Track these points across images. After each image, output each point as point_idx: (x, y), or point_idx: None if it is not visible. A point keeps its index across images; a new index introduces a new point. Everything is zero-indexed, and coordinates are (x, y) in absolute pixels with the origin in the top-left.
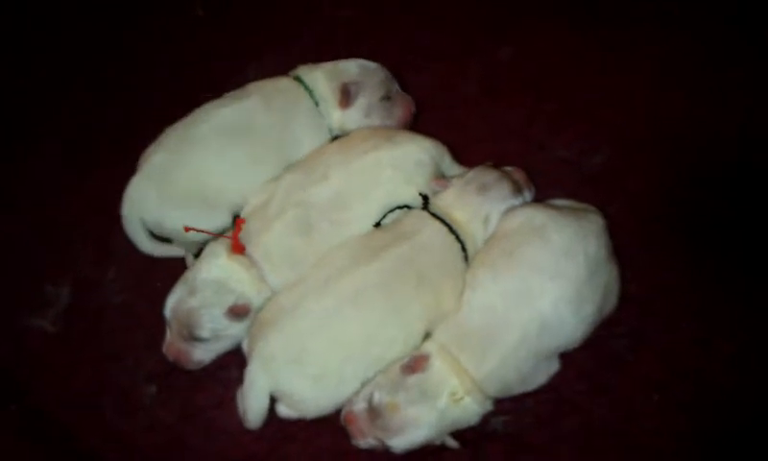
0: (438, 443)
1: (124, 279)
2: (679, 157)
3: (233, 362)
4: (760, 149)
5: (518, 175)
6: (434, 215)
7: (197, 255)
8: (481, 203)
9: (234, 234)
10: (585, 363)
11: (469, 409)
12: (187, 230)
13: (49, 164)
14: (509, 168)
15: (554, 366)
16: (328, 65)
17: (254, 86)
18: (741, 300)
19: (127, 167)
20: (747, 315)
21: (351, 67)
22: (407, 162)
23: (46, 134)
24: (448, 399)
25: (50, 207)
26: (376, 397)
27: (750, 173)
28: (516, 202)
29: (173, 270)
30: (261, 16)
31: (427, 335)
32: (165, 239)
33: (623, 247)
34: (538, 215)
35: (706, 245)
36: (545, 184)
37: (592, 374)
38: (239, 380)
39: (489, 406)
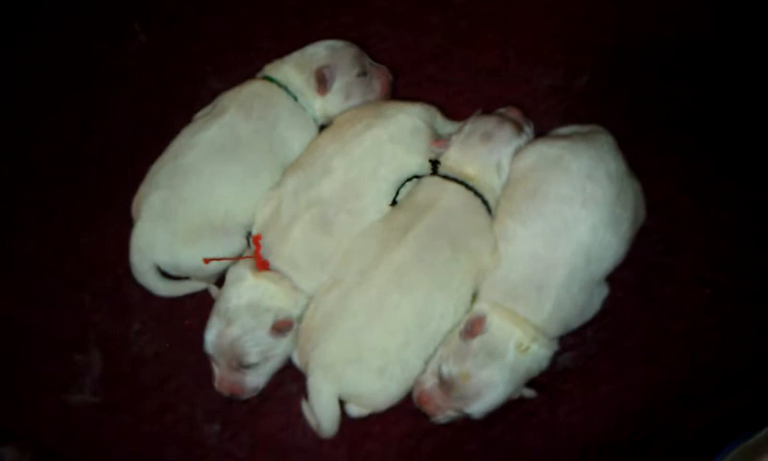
0: (516, 396)
1: (150, 328)
2: (660, 56)
3: (288, 377)
4: (732, 32)
5: (514, 113)
6: (446, 177)
7: (218, 284)
8: (489, 151)
9: (255, 252)
10: (629, 280)
11: (539, 355)
12: (206, 261)
13: (30, 225)
14: (502, 109)
15: (604, 290)
16: (295, 56)
17: (227, 99)
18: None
19: (112, 211)
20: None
21: (319, 51)
22: (403, 133)
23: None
24: (516, 351)
25: (49, 272)
26: (445, 369)
27: (732, 55)
28: (521, 141)
29: (197, 305)
30: (206, 24)
31: (474, 296)
32: (177, 276)
33: (632, 157)
34: (550, 148)
35: (708, 135)
36: (539, 116)
37: (640, 287)
38: (299, 394)
39: (555, 347)
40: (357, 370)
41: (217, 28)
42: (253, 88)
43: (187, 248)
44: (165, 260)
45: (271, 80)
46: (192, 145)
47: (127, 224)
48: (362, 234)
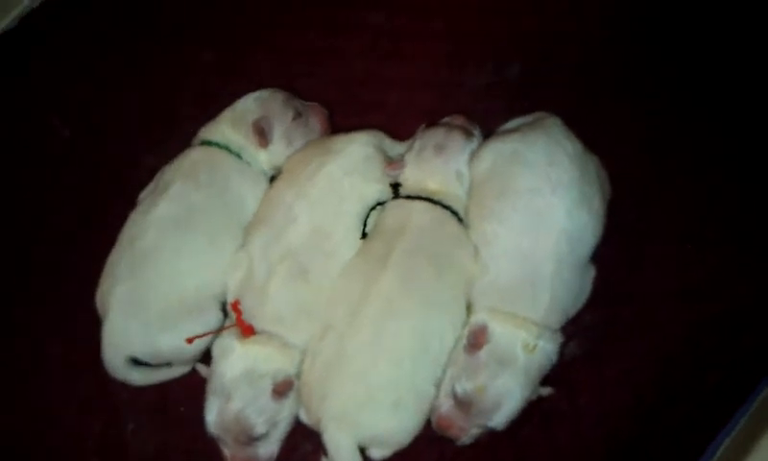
0: (534, 397)
1: (145, 425)
2: (582, 27)
3: (300, 437)
4: None
5: (459, 120)
6: (410, 197)
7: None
8: (445, 162)
9: (237, 319)
10: (611, 254)
11: (547, 350)
12: (189, 341)
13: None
14: (446, 119)
15: (592, 272)
16: (227, 114)
17: (170, 172)
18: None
19: (80, 314)
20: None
21: (249, 104)
22: (356, 163)
23: None
24: (524, 353)
25: (32, 391)
26: (459, 388)
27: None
28: (474, 145)
29: (187, 389)
30: (125, 103)
31: (469, 308)
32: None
33: (582, 133)
34: (504, 145)
35: (650, 91)
36: (483, 117)
37: (624, 259)
38: (316, 452)
39: (560, 338)
40: (371, 411)
41: (137, 105)
42: (194, 156)
43: (165, 334)
44: (144, 351)
45: (209, 143)
46: (146, 227)
47: (97, 324)
48: (342, 274)
